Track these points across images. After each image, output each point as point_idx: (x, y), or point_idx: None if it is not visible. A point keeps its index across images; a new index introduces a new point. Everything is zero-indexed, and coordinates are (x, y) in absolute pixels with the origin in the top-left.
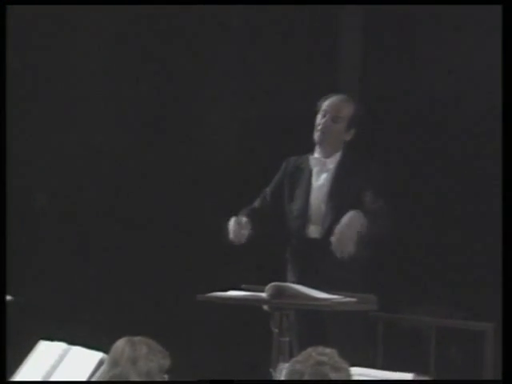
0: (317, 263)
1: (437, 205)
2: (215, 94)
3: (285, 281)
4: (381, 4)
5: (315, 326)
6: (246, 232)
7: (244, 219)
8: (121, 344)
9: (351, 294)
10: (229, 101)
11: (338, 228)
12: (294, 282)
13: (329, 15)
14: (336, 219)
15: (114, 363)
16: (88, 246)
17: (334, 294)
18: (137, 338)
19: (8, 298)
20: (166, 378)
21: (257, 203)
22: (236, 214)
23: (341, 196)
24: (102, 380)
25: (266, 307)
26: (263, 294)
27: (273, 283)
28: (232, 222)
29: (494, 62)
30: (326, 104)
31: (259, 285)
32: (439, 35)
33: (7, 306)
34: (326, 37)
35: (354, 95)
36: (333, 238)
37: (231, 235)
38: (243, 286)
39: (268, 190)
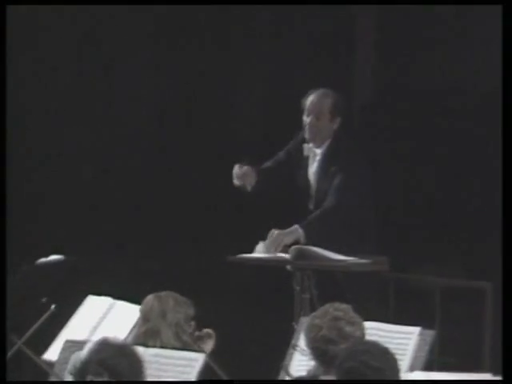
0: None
1: (439, 171)
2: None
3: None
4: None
5: (333, 285)
6: (251, 179)
7: (246, 166)
8: (149, 300)
9: (365, 256)
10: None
11: (277, 232)
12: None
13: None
14: (323, 197)
15: (145, 319)
16: (127, 211)
17: (349, 256)
18: (163, 293)
19: (59, 257)
20: (192, 325)
21: (266, 164)
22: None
23: (323, 179)
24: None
25: (288, 267)
26: (286, 256)
27: (295, 246)
28: (235, 168)
29: (494, 50)
30: (307, 103)
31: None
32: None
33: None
34: (341, 25)
35: (367, 83)
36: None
37: (234, 180)
38: None
39: (278, 157)
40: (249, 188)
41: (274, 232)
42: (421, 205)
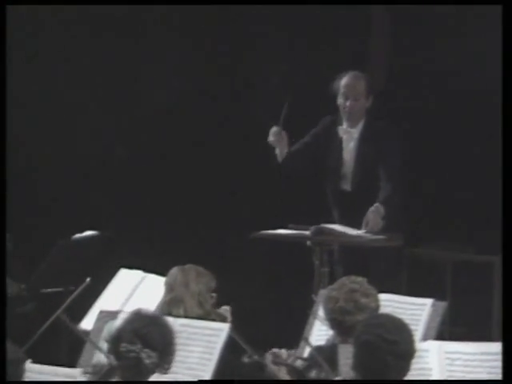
0: (347, 210)
1: (452, 152)
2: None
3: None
4: None
5: (351, 259)
6: (283, 145)
7: (283, 131)
8: (174, 272)
9: (380, 232)
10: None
11: (369, 216)
12: (332, 222)
13: None
14: (363, 178)
15: (170, 289)
16: (157, 189)
17: (365, 232)
18: (187, 266)
19: (94, 232)
20: (214, 296)
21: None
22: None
23: (365, 158)
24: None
25: (309, 243)
26: (307, 232)
27: (315, 226)
28: (274, 128)
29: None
30: (342, 86)
31: (303, 224)
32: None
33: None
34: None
35: (382, 67)
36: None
37: (270, 137)
38: (290, 225)
39: (305, 140)
40: (279, 157)
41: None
42: (434, 185)
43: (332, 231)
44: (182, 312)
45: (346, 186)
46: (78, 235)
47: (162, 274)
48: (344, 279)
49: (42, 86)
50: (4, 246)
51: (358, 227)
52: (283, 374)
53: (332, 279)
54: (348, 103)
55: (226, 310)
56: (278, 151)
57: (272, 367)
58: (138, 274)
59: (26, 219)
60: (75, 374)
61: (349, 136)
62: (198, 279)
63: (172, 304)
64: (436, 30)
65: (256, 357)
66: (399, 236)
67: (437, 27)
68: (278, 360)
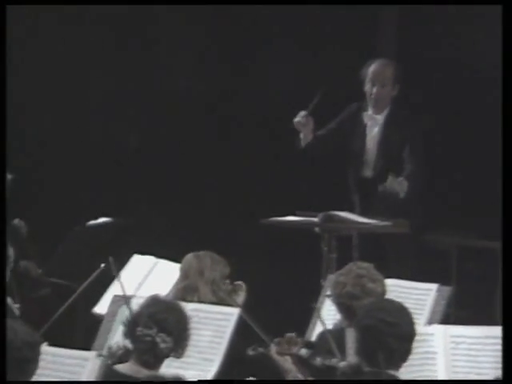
0: (367, 196)
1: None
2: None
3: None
4: None
5: (360, 246)
6: (308, 131)
7: (310, 116)
8: (188, 258)
9: (387, 219)
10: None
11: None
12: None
13: None
14: (385, 164)
15: (185, 276)
16: (170, 177)
17: (373, 219)
18: (201, 252)
19: (108, 219)
20: (228, 282)
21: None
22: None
23: (388, 145)
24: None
25: (317, 230)
26: (315, 219)
27: (323, 212)
28: (301, 113)
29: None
30: (371, 72)
31: (315, 211)
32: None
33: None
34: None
35: (391, 56)
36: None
37: (295, 121)
38: (297, 212)
39: (331, 126)
40: (303, 142)
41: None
42: (440, 173)
43: (340, 218)
44: (196, 299)
45: (368, 173)
46: (92, 222)
47: (173, 259)
48: (351, 265)
49: (42, 86)
50: (4, 245)
51: (377, 214)
52: (289, 364)
53: (340, 265)
54: (375, 89)
55: (240, 285)
56: (302, 135)
57: (277, 358)
58: (150, 259)
59: (42, 206)
60: (89, 356)
61: (373, 122)
62: (212, 266)
63: (186, 291)
64: (436, 29)
65: (261, 349)
66: (405, 223)
67: (436, 27)
68: (283, 350)
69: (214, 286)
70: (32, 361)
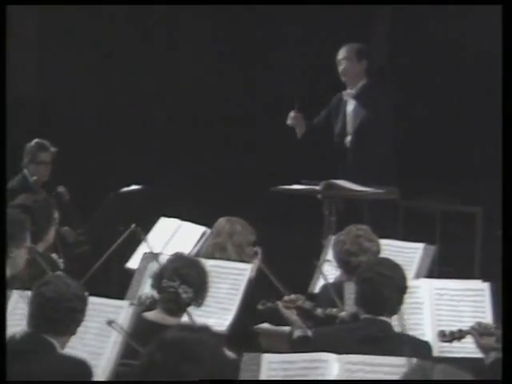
0: (349, 164)
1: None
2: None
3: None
4: None
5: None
6: (301, 126)
7: (299, 114)
8: (223, 221)
9: (380, 187)
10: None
11: None
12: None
13: None
14: (360, 133)
15: (217, 234)
16: (194, 149)
17: (367, 187)
18: (234, 218)
19: (137, 187)
20: (251, 248)
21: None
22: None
23: (360, 114)
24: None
25: (319, 196)
26: (318, 187)
27: (324, 181)
28: (291, 112)
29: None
30: (339, 56)
31: (315, 180)
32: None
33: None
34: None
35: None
36: None
37: (288, 121)
38: (303, 181)
39: (322, 113)
40: (298, 134)
41: None
42: (427, 144)
43: (339, 186)
44: (223, 257)
45: (347, 142)
46: (125, 188)
47: (195, 221)
48: (351, 227)
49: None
50: (4, 241)
51: (359, 181)
52: (294, 316)
53: (339, 227)
54: (340, 68)
55: (256, 251)
56: (297, 130)
57: (284, 311)
58: (175, 221)
59: (82, 175)
60: (123, 304)
61: (349, 96)
62: (242, 232)
63: (216, 248)
64: (436, 29)
65: (269, 304)
66: (395, 190)
67: (436, 27)
68: (289, 304)
69: (239, 248)
70: (81, 311)
